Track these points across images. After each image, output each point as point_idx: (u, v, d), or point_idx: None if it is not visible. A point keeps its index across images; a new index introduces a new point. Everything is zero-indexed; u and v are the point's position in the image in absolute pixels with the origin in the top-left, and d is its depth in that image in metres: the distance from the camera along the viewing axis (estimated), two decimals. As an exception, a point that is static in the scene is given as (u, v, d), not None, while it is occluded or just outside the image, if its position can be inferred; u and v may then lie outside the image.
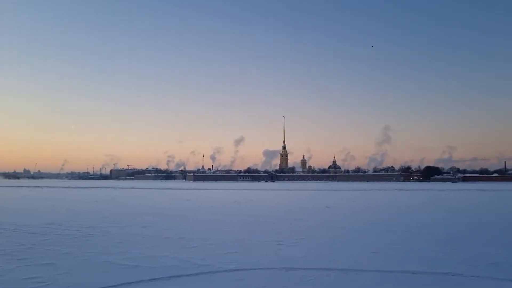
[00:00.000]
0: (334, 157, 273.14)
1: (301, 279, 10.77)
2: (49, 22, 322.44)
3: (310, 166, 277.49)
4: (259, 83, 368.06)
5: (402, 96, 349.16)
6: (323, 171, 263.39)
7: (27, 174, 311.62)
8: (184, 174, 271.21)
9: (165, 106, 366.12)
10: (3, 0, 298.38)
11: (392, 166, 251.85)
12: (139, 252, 14.42)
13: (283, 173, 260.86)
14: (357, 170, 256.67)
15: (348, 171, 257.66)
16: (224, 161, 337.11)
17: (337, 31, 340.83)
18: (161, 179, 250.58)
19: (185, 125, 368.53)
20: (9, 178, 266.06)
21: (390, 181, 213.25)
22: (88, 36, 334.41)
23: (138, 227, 21.64)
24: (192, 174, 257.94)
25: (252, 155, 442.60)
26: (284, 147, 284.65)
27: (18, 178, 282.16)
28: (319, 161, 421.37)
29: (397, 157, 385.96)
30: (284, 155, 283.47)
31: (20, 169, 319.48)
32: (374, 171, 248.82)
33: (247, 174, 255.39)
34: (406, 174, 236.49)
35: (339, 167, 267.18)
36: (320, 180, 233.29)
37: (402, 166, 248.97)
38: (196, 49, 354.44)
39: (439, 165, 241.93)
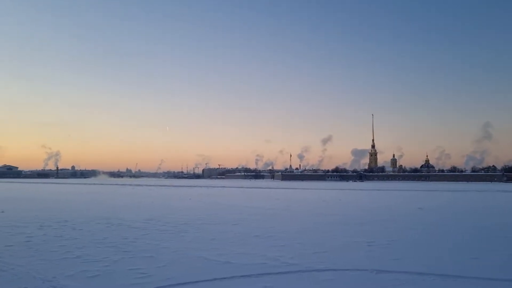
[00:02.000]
0: (427, 156, 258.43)
1: (393, 283, 10.39)
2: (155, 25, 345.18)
3: (401, 166, 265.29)
4: (347, 81, 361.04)
5: (504, 89, 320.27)
6: (415, 170, 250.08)
7: (129, 173, 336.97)
8: (272, 173, 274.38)
9: (253, 106, 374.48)
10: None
11: (493, 166, 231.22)
12: (230, 249, 14.93)
13: (372, 172, 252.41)
14: (453, 169, 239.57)
15: (442, 171, 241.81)
16: (312, 160, 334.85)
17: (426, 23, 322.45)
18: (250, 178, 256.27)
19: (273, 125, 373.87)
20: (114, 177, 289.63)
21: (491, 181, 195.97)
22: (186, 40, 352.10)
23: (229, 225, 22.39)
24: (280, 173, 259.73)
25: (340, 154, 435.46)
26: (373, 146, 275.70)
27: (122, 176, 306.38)
28: (411, 160, 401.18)
29: (500, 155, 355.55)
30: (373, 154, 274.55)
31: (123, 169, 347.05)
32: (473, 171, 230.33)
33: (335, 173, 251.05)
34: (510, 174, 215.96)
35: (433, 167, 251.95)
36: (412, 180, 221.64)
37: (505, 166, 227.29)
38: (282, 48, 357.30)
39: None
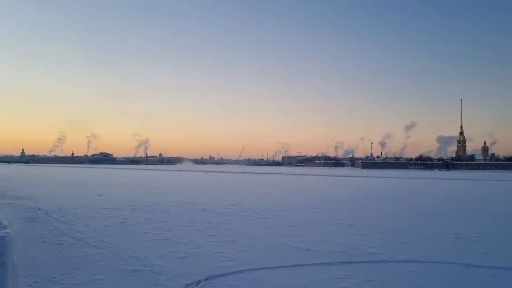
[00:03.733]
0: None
1: (484, 278, 9.79)
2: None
3: (494, 154, 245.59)
4: (432, 64, 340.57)
5: None
6: (510, 159, 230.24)
7: (211, 160, 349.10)
8: (352, 161, 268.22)
9: (333, 93, 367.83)
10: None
11: None
12: (310, 236, 15.02)
13: (460, 161, 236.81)
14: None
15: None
16: (394, 148, 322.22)
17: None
18: (329, 166, 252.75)
19: (354, 111, 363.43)
20: (197, 164, 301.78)
21: None
22: (267, 30, 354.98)
23: (309, 212, 22.49)
24: (360, 161, 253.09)
25: (424, 141, 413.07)
26: (461, 133, 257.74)
27: (205, 163, 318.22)
28: (506, 148, 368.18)
29: None
30: (461, 142, 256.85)
31: (206, 156, 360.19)
32: None
33: (419, 161, 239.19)
34: None
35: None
36: (506, 169, 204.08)
37: None
38: (365, 31, 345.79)
39: None
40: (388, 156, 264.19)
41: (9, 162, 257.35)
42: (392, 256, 11.91)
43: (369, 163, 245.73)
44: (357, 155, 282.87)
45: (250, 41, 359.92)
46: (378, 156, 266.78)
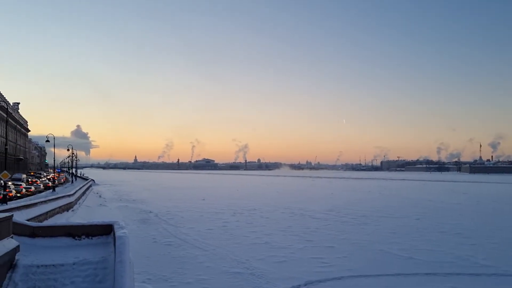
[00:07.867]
0: None
1: None
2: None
3: None
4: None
5: None
6: None
7: (308, 165, 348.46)
8: (458, 166, 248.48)
9: (436, 91, 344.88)
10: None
11: None
12: (413, 244, 14.38)
13: None
14: None
15: None
16: (508, 150, 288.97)
17: None
18: (432, 171, 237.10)
19: (460, 110, 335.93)
20: (295, 169, 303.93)
21: None
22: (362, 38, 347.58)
23: (411, 219, 21.50)
24: (467, 166, 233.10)
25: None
26: None
27: (302, 169, 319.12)
28: None
29: None
30: None
31: (303, 161, 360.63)
32: None
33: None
34: None
35: None
36: None
37: None
38: (474, 28, 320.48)
39: None
40: (501, 160, 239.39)
41: (124, 168, 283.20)
42: (508, 270, 10.91)
43: (478, 167, 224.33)
44: (464, 158, 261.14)
45: (345, 44, 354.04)
46: (488, 160, 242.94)
